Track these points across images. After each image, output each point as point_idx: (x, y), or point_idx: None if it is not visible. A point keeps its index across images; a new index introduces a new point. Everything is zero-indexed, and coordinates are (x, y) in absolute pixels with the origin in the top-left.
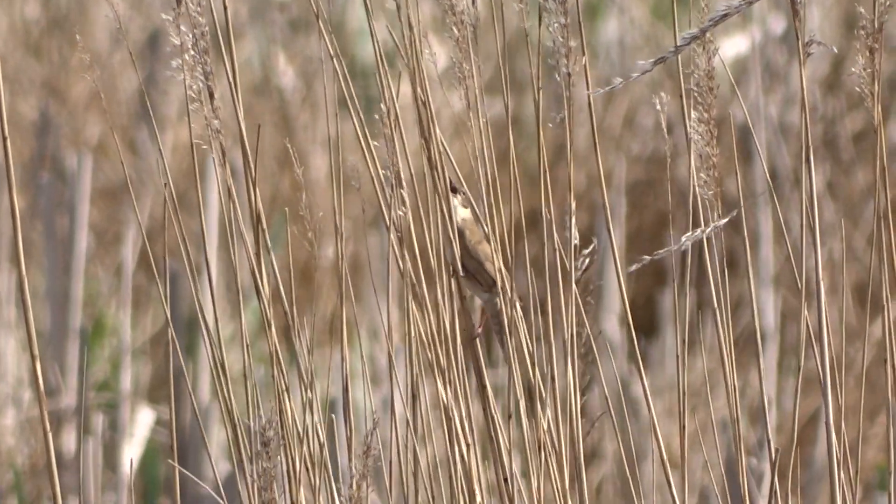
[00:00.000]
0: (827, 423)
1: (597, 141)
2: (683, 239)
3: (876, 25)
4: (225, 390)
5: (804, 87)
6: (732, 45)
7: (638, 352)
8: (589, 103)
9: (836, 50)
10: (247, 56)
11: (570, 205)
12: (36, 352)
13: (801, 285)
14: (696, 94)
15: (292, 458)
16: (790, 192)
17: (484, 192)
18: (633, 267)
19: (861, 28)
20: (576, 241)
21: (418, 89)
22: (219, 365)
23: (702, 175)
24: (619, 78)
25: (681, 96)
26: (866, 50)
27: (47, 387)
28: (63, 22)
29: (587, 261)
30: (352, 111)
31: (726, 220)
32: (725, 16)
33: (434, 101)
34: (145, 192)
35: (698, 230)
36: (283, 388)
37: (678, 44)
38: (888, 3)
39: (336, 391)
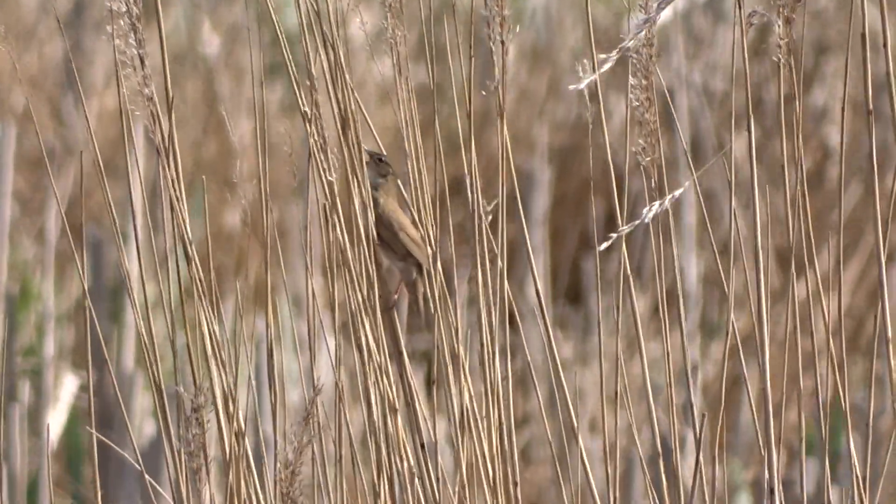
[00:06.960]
0: (765, 394)
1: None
2: (645, 211)
3: None
4: (151, 357)
5: (746, 58)
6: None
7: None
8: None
9: (779, 23)
10: (172, 24)
11: (501, 184)
12: None
13: (731, 253)
14: (633, 61)
15: (220, 425)
16: (713, 156)
17: (409, 160)
18: (603, 245)
19: None
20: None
21: (332, 58)
22: (144, 332)
23: (640, 141)
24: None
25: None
26: (784, 21)
27: None
28: None
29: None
30: (293, 78)
31: (682, 189)
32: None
33: (358, 69)
34: (70, 161)
35: (656, 203)
36: (209, 354)
37: (631, 32)
38: None
39: (258, 358)
